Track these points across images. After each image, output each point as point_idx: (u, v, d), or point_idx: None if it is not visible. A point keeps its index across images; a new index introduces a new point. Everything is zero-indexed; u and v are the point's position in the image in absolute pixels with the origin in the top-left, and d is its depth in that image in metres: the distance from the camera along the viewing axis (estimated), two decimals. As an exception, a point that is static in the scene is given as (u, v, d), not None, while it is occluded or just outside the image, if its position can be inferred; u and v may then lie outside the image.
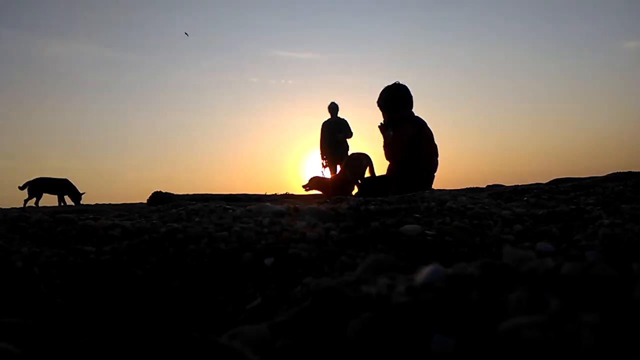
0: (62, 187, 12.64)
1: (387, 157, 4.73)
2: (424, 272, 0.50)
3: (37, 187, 12.30)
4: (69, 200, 12.58)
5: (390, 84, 4.74)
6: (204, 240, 1.09)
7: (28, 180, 12.25)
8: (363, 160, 8.34)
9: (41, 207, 9.44)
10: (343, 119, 9.28)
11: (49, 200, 12.55)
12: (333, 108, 9.28)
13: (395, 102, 4.63)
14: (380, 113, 4.78)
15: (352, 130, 9.20)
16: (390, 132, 4.56)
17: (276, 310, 0.67)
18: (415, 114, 4.70)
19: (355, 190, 5.13)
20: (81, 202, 12.52)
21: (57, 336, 0.45)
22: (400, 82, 4.72)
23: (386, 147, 4.69)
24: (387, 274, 0.55)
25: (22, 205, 10.91)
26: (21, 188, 12.14)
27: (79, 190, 12.79)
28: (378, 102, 4.76)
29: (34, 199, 12.22)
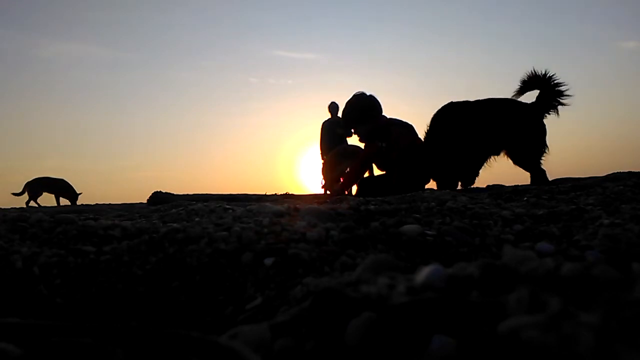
0: (59, 187, 12.64)
1: (382, 168, 4.63)
2: (424, 272, 0.50)
3: (35, 187, 12.30)
4: (64, 201, 12.58)
5: (349, 98, 4.66)
6: (204, 240, 1.09)
7: (27, 181, 12.26)
8: None
9: (41, 207, 9.43)
10: (343, 119, 9.29)
11: (48, 200, 12.56)
12: (333, 108, 9.29)
13: (368, 111, 4.55)
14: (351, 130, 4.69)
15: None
16: (382, 144, 4.45)
17: (276, 310, 0.67)
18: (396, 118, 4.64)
19: (355, 190, 5.12)
20: (82, 202, 12.52)
21: (57, 336, 0.45)
22: (359, 92, 4.66)
23: (380, 158, 4.56)
24: (387, 274, 0.55)
25: (25, 206, 10.91)
26: (18, 194, 12.11)
27: (76, 191, 12.79)
28: (348, 118, 4.63)
29: (32, 199, 12.21)
